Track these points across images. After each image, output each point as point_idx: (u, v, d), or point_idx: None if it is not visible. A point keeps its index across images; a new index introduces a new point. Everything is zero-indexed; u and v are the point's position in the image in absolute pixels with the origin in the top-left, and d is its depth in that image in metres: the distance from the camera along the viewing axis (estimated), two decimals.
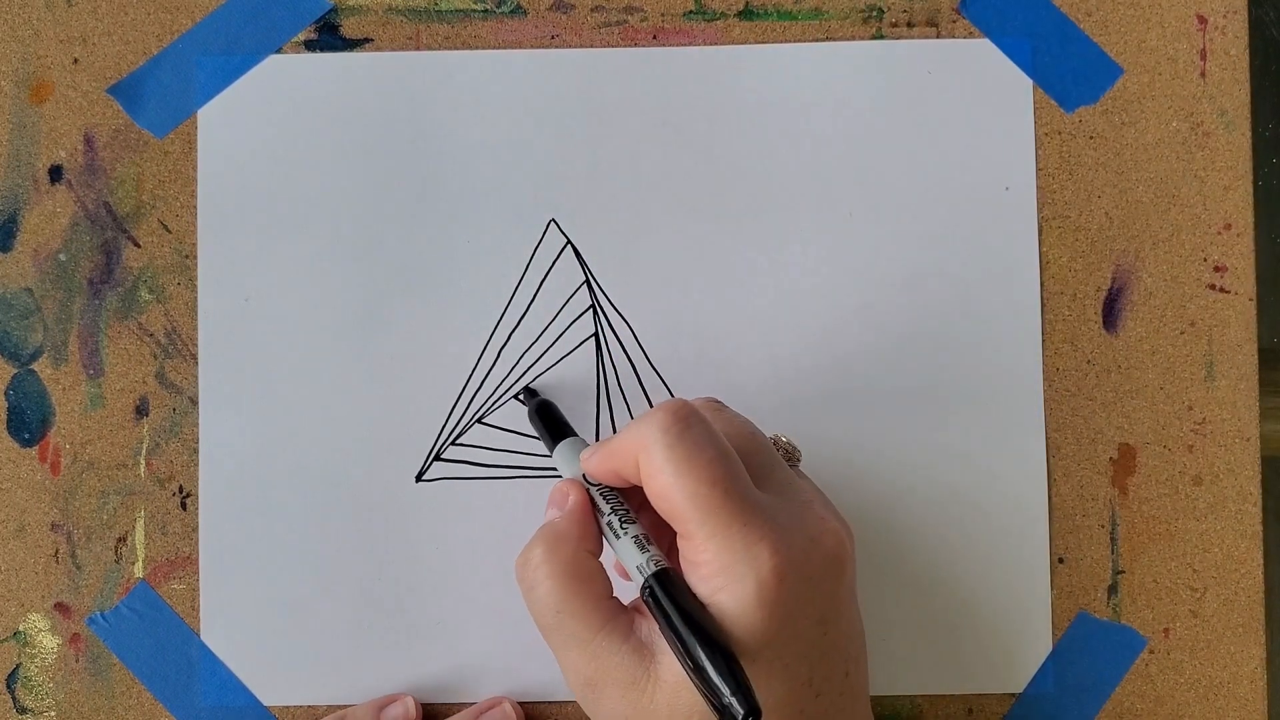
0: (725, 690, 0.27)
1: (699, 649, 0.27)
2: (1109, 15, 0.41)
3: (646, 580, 0.30)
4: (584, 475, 0.33)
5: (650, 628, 0.31)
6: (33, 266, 0.40)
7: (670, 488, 0.29)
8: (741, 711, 0.26)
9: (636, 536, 0.31)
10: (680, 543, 0.30)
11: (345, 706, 0.39)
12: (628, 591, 0.32)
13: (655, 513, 0.32)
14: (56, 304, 0.40)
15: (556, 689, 0.39)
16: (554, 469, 0.40)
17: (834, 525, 0.31)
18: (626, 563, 0.31)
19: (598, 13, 0.41)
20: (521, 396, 0.40)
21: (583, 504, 0.33)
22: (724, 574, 0.29)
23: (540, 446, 0.40)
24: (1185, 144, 0.40)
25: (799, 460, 0.36)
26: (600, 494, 0.33)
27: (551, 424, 0.37)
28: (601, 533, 0.32)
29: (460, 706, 0.39)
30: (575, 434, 0.36)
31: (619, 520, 0.32)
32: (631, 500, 0.33)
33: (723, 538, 0.29)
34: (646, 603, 0.29)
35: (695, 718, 0.29)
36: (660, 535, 0.32)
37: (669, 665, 0.30)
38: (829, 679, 0.31)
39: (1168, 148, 0.40)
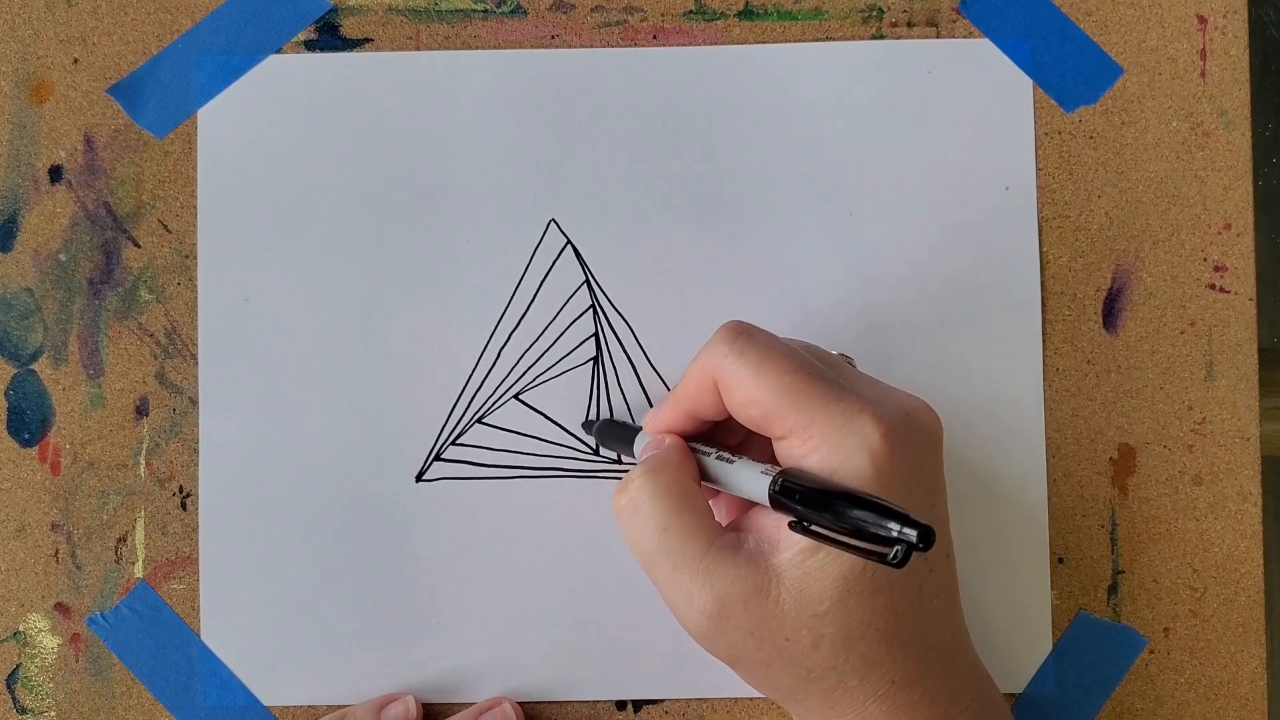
0: (895, 526, 0.26)
1: (852, 508, 0.27)
2: (1109, 15, 0.41)
3: (775, 477, 0.30)
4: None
5: (757, 539, 0.31)
6: (33, 266, 0.40)
7: (756, 388, 0.30)
8: (914, 534, 0.26)
9: (747, 459, 0.31)
10: (780, 447, 0.31)
11: (345, 706, 0.39)
12: None
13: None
14: (56, 304, 0.40)
15: (556, 689, 0.39)
16: (554, 468, 0.40)
17: (922, 401, 0.32)
18: (743, 482, 0.31)
19: (598, 13, 0.41)
20: (583, 429, 0.40)
21: (679, 441, 0.33)
22: (836, 452, 0.29)
23: (539, 446, 0.40)
24: (1185, 144, 0.40)
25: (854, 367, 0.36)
26: (692, 443, 0.33)
27: (621, 429, 0.37)
28: (700, 472, 0.33)
29: (460, 707, 0.39)
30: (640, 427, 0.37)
31: (729, 451, 0.32)
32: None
33: (823, 417, 0.29)
34: (777, 499, 0.29)
35: (825, 604, 0.29)
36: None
37: (788, 561, 0.30)
38: (938, 552, 0.31)
39: (1168, 148, 0.40)
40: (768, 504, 0.30)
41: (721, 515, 0.35)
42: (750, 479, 0.31)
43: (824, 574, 0.29)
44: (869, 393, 0.31)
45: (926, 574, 0.31)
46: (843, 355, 0.35)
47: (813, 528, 0.29)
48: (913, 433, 0.30)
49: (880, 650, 0.30)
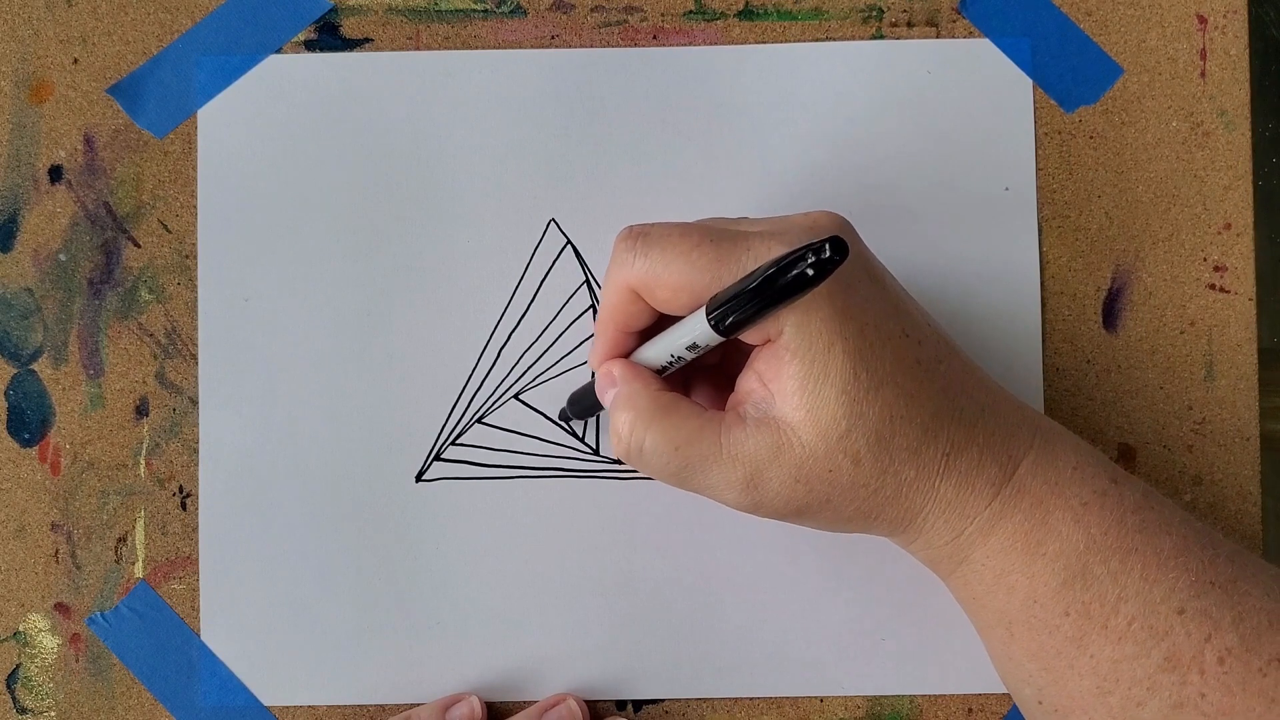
0: (810, 249, 0.27)
1: (772, 277, 0.28)
2: (1109, 15, 0.41)
3: (713, 300, 0.30)
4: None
5: (753, 405, 0.31)
6: (33, 266, 0.40)
7: (674, 278, 0.31)
8: (819, 246, 0.27)
9: (671, 327, 0.32)
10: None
11: (412, 705, 0.39)
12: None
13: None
14: (56, 304, 0.40)
15: (556, 689, 0.39)
16: (554, 468, 0.40)
17: (822, 211, 0.33)
18: (686, 334, 0.31)
19: (598, 13, 0.41)
20: (561, 421, 0.40)
21: (624, 362, 0.34)
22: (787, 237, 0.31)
23: (539, 446, 0.40)
24: (1185, 144, 0.40)
25: None
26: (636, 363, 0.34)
27: (580, 392, 0.37)
28: (659, 374, 0.33)
29: None
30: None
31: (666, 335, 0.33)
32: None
33: (739, 267, 0.30)
34: (715, 316, 0.30)
35: (842, 422, 0.30)
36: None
37: (789, 405, 0.30)
38: (919, 324, 0.32)
39: (1168, 148, 0.40)
40: (715, 333, 0.30)
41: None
42: (690, 325, 0.31)
43: (825, 399, 0.30)
44: (770, 227, 0.32)
45: (916, 347, 0.32)
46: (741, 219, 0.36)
47: (752, 321, 0.29)
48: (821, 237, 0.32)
49: (916, 434, 0.31)
